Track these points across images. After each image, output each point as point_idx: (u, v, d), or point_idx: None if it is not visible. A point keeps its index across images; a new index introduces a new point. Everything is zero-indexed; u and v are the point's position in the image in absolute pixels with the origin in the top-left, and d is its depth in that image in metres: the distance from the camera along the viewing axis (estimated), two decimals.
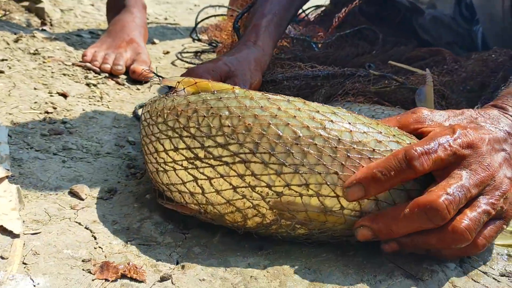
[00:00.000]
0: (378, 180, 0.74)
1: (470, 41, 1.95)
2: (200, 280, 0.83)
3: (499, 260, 0.89)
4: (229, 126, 0.87)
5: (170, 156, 0.94)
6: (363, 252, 0.90)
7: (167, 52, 2.41)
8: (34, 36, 2.07)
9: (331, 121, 0.85)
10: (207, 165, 0.89)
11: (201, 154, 0.89)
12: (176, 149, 0.92)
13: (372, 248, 0.89)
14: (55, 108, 1.52)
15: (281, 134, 0.84)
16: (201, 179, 0.90)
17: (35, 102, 1.53)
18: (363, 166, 0.82)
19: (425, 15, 2.00)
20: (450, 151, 0.74)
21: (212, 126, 0.88)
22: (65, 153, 1.26)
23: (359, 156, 0.83)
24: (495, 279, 0.83)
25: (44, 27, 2.42)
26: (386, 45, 1.80)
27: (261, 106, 0.87)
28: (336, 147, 0.83)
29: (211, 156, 0.88)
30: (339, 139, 0.83)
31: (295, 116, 0.85)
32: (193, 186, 0.92)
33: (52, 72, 1.80)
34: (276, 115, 0.85)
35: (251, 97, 0.89)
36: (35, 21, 2.47)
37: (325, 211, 0.85)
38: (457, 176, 0.73)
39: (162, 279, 0.82)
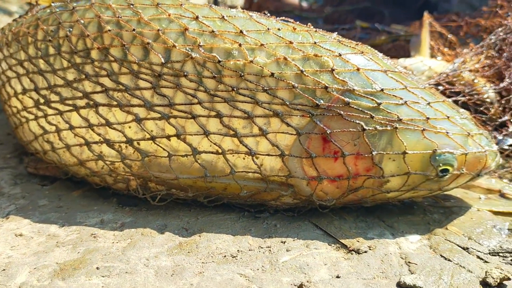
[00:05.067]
0: None
1: None
2: (16, 235, 0.55)
3: (494, 234, 0.55)
4: (80, 51, 0.59)
5: (20, 102, 0.68)
6: (284, 215, 0.59)
7: None
8: None
9: (212, 32, 0.55)
10: (55, 111, 0.62)
11: (49, 96, 0.62)
12: (24, 92, 0.66)
13: (306, 213, 0.58)
14: None
15: (137, 61, 0.55)
16: (50, 131, 0.63)
17: None
18: (257, 103, 0.52)
19: None
20: None
21: (58, 54, 0.61)
22: None
23: (253, 80, 0.53)
24: (480, 258, 0.50)
25: None
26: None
27: (119, 18, 0.58)
28: (214, 75, 0.53)
29: (58, 99, 0.61)
30: (219, 60, 0.53)
31: (159, 30, 0.56)
32: (42, 142, 0.66)
33: None
34: (134, 30, 0.57)
35: (107, 6, 0.61)
36: None
37: (206, 176, 0.55)
38: None
39: None
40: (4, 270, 0.47)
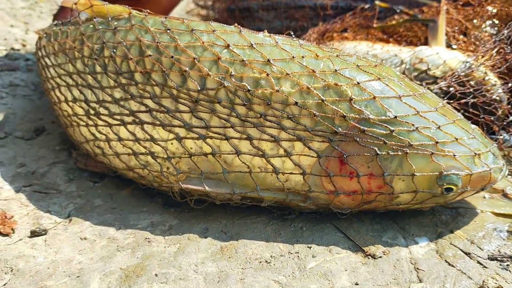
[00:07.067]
0: None
1: None
2: (81, 239, 0.64)
3: (494, 237, 0.63)
4: (125, 73, 0.65)
5: (71, 108, 0.75)
6: (308, 217, 0.67)
7: None
8: None
9: (242, 62, 0.61)
10: (104, 123, 0.69)
11: (98, 109, 0.69)
12: (74, 101, 0.73)
13: (328, 215, 0.66)
14: (24, 46, 1.37)
15: (176, 86, 0.62)
16: (100, 139, 0.71)
17: (5, 39, 1.38)
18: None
19: None
20: None
21: (105, 73, 0.67)
22: (9, 90, 1.10)
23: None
24: (480, 263, 0.58)
25: None
26: None
27: (158, 43, 0.64)
28: (244, 103, 0.60)
29: (107, 113, 0.68)
30: (248, 89, 0.60)
31: (194, 59, 0.62)
32: (93, 146, 0.73)
33: (41, 13, 1.66)
34: (172, 57, 0.62)
35: (147, 29, 0.66)
36: None
37: (234, 192, 0.63)
38: None
39: (33, 234, 0.65)
40: (78, 277, 0.57)
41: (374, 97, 0.59)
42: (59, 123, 0.87)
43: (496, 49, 0.81)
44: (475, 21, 0.99)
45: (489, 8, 1.00)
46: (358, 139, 0.58)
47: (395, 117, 0.58)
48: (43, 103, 1.07)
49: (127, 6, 0.70)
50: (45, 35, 0.82)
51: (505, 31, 0.83)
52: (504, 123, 0.75)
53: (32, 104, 1.06)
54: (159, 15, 0.68)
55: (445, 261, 0.59)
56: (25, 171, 0.81)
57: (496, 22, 0.98)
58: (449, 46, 0.93)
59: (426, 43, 0.99)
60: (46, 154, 0.86)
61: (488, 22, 0.99)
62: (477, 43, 0.89)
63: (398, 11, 1.07)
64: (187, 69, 0.61)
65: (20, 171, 0.80)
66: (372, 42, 1.06)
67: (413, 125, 0.59)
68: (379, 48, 0.97)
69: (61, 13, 1.01)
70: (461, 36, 0.94)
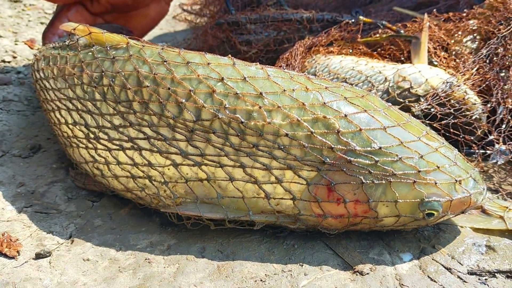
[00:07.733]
0: None
1: None
2: (84, 260, 0.67)
3: (473, 252, 0.67)
4: (123, 102, 0.68)
5: (71, 131, 0.78)
6: (299, 235, 0.71)
7: None
8: None
9: (236, 94, 0.64)
10: (103, 147, 0.72)
11: (98, 133, 0.73)
12: (74, 124, 0.76)
13: (318, 232, 0.70)
14: (14, 57, 1.38)
15: (173, 117, 0.65)
16: (100, 162, 0.74)
17: None
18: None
19: None
20: None
21: (104, 101, 0.70)
22: (3, 105, 1.12)
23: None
24: (460, 278, 0.63)
25: None
26: None
27: (155, 74, 0.67)
28: (237, 134, 0.63)
29: (106, 138, 0.71)
30: (242, 121, 0.63)
31: (190, 91, 0.64)
32: (92, 167, 0.77)
33: (29, 21, 1.67)
34: (169, 89, 0.65)
35: (144, 60, 0.69)
36: None
37: (228, 218, 0.67)
38: None
39: (38, 256, 0.68)
40: None
41: (360, 129, 0.63)
42: (57, 141, 0.89)
43: (475, 68, 0.85)
44: (455, 36, 1.03)
45: (470, 22, 1.04)
46: (345, 169, 0.62)
47: (380, 148, 0.62)
48: (37, 118, 1.09)
49: (125, 36, 0.72)
50: (42, 57, 0.85)
51: (484, 51, 0.87)
52: (483, 142, 0.80)
53: (26, 120, 1.08)
54: (156, 45, 0.71)
55: (428, 276, 0.63)
56: (25, 190, 0.83)
57: (477, 37, 1.02)
58: (430, 62, 0.97)
59: (409, 56, 1.03)
60: (44, 173, 0.89)
61: (469, 37, 1.03)
62: (457, 60, 0.93)
63: (381, 26, 1.11)
64: (183, 100, 0.65)
65: (20, 191, 0.83)
66: (357, 56, 1.10)
67: (396, 155, 0.62)
68: (363, 64, 1.01)
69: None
70: (442, 53, 0.98)
